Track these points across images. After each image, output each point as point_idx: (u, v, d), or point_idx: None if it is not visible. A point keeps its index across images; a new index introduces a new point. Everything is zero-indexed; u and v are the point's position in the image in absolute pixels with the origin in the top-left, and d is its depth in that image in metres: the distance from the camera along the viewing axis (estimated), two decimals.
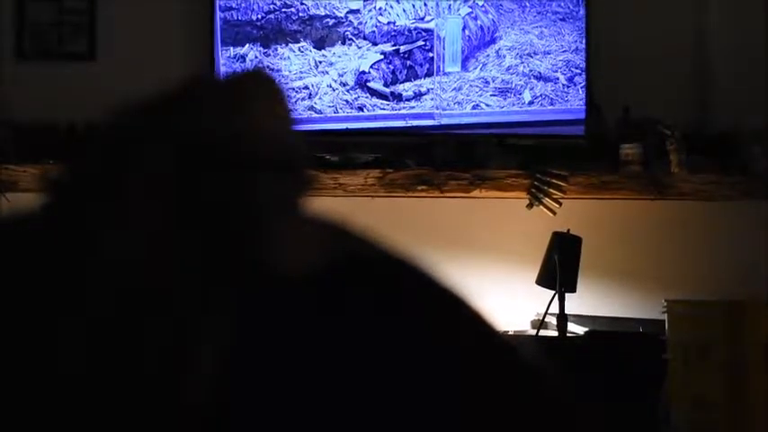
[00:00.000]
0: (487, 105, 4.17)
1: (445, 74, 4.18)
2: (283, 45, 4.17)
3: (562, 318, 3.69)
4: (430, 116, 4.17)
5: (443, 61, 4.18)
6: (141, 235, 0.53)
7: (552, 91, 4.17)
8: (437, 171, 4.02)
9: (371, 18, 4.18)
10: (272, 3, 4.18)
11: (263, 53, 4.16)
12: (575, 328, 3.82)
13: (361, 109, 4.15)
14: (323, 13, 4.19)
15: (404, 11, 4.19)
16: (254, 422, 0.54)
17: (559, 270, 3.70)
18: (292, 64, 4.16)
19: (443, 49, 4.20)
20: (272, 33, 4.18)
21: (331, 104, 4.14)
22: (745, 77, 4.24)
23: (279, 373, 0.55)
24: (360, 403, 0.55)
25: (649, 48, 4.33)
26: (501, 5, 4.19)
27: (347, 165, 4.01)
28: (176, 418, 0.51)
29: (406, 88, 4.17)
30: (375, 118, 4.16)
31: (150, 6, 4.26)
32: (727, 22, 4.32)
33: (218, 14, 4.16)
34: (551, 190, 4.01)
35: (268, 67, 4.10)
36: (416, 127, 4.16)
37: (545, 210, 4.03)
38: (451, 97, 4.17)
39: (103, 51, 4.27)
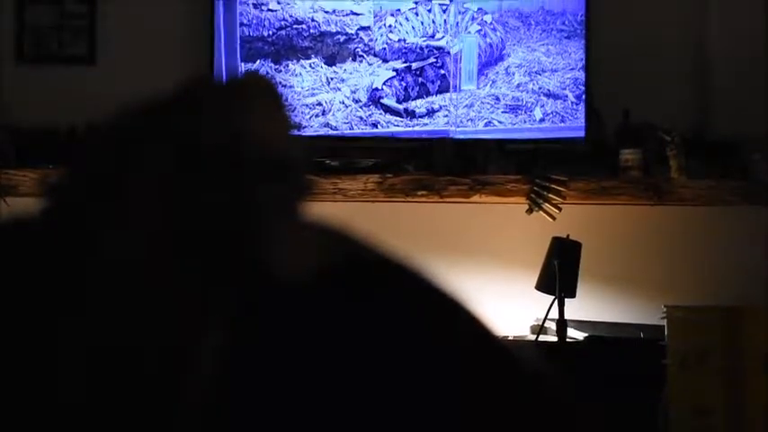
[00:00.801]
0: (500, 122, 4.18)
1: (461, 91, 4.19)
2: (294, 61, 4.19)
3: (562, 323, 3.69)
4: (445, 133, 4.18)
5: (459, 79, 4.20)
6: (141, 235, 0.53)
7: (563, 108, 4.18)
8: (437, 176, 4.02)
9: (382, 35, 4.20)
10: (284, 19, 4.19)
11: (275, 69, 4.16)
12: (574, 334, 3.82)
13: (375, 125, 4.17)
14: (334, 30, 4.20)
15: (413, 28, 4.21)
16: (254, 422, 0.54)
17: (559, 275, 3.70)
18: (304, 80, 4.17)
19: (457, 66, 4.21)
20: (284, 50, 4.19)
21: (346, 121, 4.16)
22: (744, 83, 4.25)
23: (278, 374, 0.55)
24: (359, 404, 0.55)
25: (649, 53, 4.34)
26: (507, 23, 4.20)
27: (347, 170, 4.01)
28: (176, 418, 0.51)
29: (419, 105, 4.19)
30: (391, 135, 4.17)
31: (150, 10, 4.26)
32: (727, 28, 4.32)
33: (222, 25, 4.17)
34: (551, 195, 4.01)
35: (280, 83, 4.12)
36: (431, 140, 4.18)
37: (545, 215, 4.03)
38: (464, 114, 4.18)
39: (104, 55, 4.27)
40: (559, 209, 4.02)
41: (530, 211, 4.05)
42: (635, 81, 4.29)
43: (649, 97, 4.26)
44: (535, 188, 4.02)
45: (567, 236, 3.84)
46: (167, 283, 0.52)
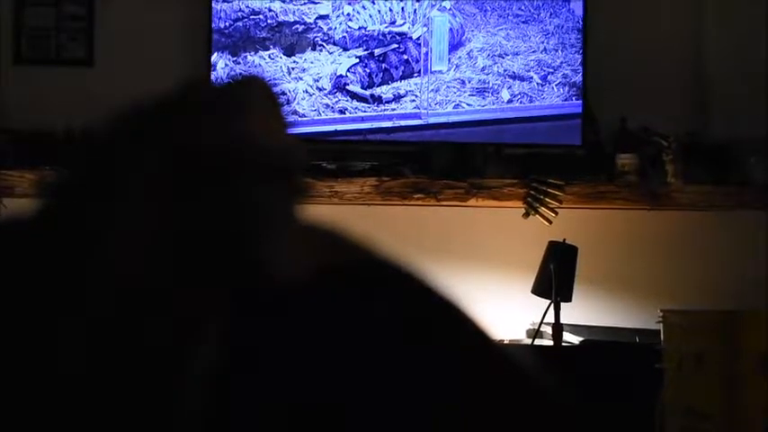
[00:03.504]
0: (468, 105, 4.20)
1: (431, 73, 4.20)
2: (252, 53, 4.16)
3: (557, 327, 3.69)
4: (417, 116, 4.18)
5: (428, 62, 4.21)
6: (140, 236, 0.53)
7: (530, 89, 4.21)
8: (433, 180, 4.02)
9: (341, 24, 4.19)
10: (240, 10, 4.16)
11: (233, 61, 4.14)
12: (570, 338, 3.82)
13: (342, 112, 4.16)
14: (292, 20, 4.18)
15: (370, 16, 4.20)
16: (252, 423, 0.54)
17: (555, 279, 3.70)
18: (264, 71, 4.14)
19: (420, 51, 4.22)
20: (241, 41, 4.16)
21: (313, 108, 4.15)
22: (742, 87, 4.25)
23: (276, 376, 0.55)
24: (358, 406, 0.55)
25: (647, 57, 4.34)
26: (463, 9, 4.22)
27: (343, 173, 4.01)
28: (175, 418, 0.52)
29: (384, 91, 4.19)
30: (362, 119, 4.17)
31: (148, 13, 4.26)
32: (726, 32, 4.33)
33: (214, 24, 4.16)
34: (547, 199, 4.01)
35: (258, 73, 4.09)
36: (406, 127, 4.18)
37: (541, 219, 4.03)
38: (431, 98, 4.19)
39: (101, 57, 4.27)
40: (556, 213, 4.02)
41: (526, 214, 4.05)
42: (632, 86, 4.29)
43: (646, 102, 4.26)
44: (532, 192, 4.02)
45: (564, 240, 3.84)
46: (165, 284, 0.53)
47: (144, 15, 4.26)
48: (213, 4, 4.14)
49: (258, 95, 0.61)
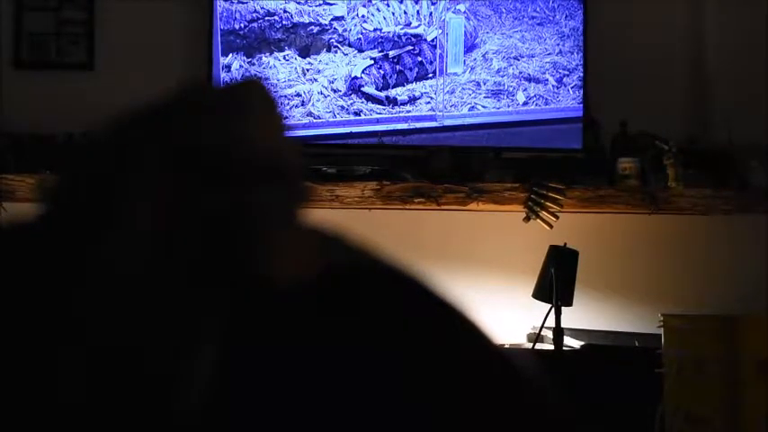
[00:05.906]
0: (483, 107, 4.20)
1: (447, 74, 4.20)
2: (267, 54, 4.16)
3: (558, 331, 3.68)
4: (432, 118, 4.18)
5: (443, 63, 4.21)
6: (139, 236, 0.53)
7: (545, 91, 4.21)
8: (434, 184, 4.02)
9: (355, 26, 4.19)
10: (255, 11, 4.16)
11: (248, 62, 4.14)
12: (571, 342, 3.82)
13: (357, 114, 4.16)
14: (307, 21, 4.18)
15: (384, 18, 4.21)
16: (251, 426, 0.54)
17: (556, 283, 3.70)
18: (279, 72, 4.15)
19: (435, 53, 4.22)
20: (256, 42, 4.16)
21: (328, 110, 4.15)
22: (741, 91, 4.25)
23: (275, 378, 0.55)
24: (357, 411, 0.55)
25: (647, 62, 4.35)
26: (477, 12, 4.22)
27: (344, 177, 4.01)
28: (174, 420, 0.52)
29: (399, 93, 4.19)
30: (377, 121, 4.17)
31: (149, 16, 4.26)
32: (726, 37, 4.33)
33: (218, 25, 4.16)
34: (548, 203, 4.01)
35: (257, 75, 4.08)
36: (421, 129, 4.18)
37: (542, 223, 4.03)
38: (446, 100, 4.19)
39: (102, 61, 4.28)
40: (556, 217, 4.02)
41: (527, 218, 4.05)
42: (633, 90, 4.29)
43: (647, 106, 4.26)
44: (532, 196, 4.02)
45: (565, 244, 3.84)
46: (164, 285, 0.53)
47: (144, 19, 4.26)
48: (228, 6, 4.14)
49: (257, 98, 0.61)
